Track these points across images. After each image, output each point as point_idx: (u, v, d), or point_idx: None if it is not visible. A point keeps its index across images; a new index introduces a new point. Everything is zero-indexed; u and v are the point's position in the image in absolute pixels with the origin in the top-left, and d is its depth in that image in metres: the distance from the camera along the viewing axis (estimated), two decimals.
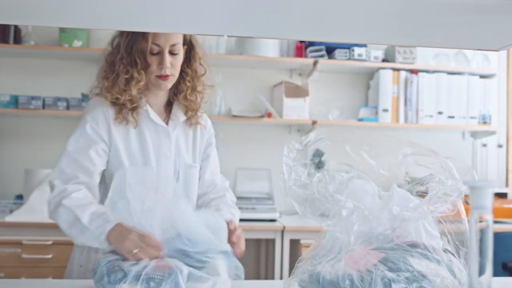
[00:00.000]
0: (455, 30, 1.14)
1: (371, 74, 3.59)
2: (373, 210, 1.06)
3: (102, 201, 1.58)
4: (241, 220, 1.68)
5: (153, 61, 1.55)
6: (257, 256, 3.40)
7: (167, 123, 1.63)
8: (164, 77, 1.56)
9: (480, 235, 0.62)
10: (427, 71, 3.50)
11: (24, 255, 2.71)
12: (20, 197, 3.13)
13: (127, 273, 1.13)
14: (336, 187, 1.09)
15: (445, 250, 1.08)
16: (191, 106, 1.64)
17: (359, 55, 3.39)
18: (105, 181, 1.60)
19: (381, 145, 1.14)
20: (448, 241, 1.08)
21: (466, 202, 1.08)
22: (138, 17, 1.12)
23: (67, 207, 1.41)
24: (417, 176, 1.11)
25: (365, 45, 3.41)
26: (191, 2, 0.97)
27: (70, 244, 1.56)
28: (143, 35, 1.53)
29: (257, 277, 3.37)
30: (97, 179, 1.54)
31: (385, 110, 3.45)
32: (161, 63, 1.55)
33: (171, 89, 1.65)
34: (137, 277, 1.13)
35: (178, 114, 1.65)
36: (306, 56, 3.43)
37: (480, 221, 0.63)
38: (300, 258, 1.14)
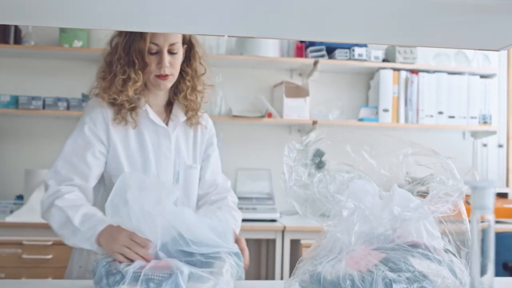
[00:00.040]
0: (455, 30, 1.14)
1: (372, 74, 3.59)
2: (374, 210, 1.06)
3: (102, 203, 1.58)
4: (241, 220, 1.67)
5: (152, 60, 1.54)
6: (258, 256, 3.40)
7: (167, 123, 1.62)
8: (164, 76, 1.55)
9: (482, 235, 0.62)
10: (427, 71, 3.50)
11: (24, 256, 2.71)
12: (20, 197, 3.13)
13: (125, 275, 1.13)
14: (336, 187, 1.08)
15: (446, 250, 1.08)
16: (191, 106, 1.63)
17: (360, 55, 3.39)
18: (104, 183, 1.60)
19: (381, 145, 1.14)
20: (449, 241, 1.08)
21: (466, 202, 1.08)
22: (138, 17, 1.12)
23: (59, 208, 1.42)
24: (418, 176, 1.11)
25: (365, 45, 3.41)
26: (191, 2, 0.97)
27: None
28: (141, 35, 1.52)
29: (258, 277, 3.37)
30: (92, 182, 1.53)
31: (386, 110, 3.45)
32: (160, 63, 1.54)
33: (171, 89, 1.64)
34: (136, 278, 1.12)
35: (178, 114, 1.63)
36: (306, 56, 3.43)
37: (482, 221, 0.63)
38: (300, 258, 1.13)
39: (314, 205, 1.09)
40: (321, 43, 3.41)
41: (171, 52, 1.55)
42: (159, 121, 1.60)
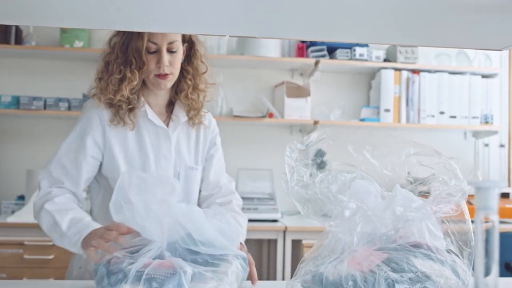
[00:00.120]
0: (457, 29, 1.13)
1: (373, 74, 3.58)
2: (376, 210, 1.06)
3: (101, 204, 1.57)
4: None
5: (151, 60, 1.52)
6: (259, 257, 3.40)
7: (168, 124, 1.61)
8: (163, 76, 1.53)
9: (486, 236, 0.62)
10: (428, 71, 3.49)
11: (26, 256, 2.71)
12: (21, 197, 3.13)
13: (127, 273, 1.12)
14: (338, 188, 1.08)
15: (449, 251, 1.07)
16: (193, 105, 1.61)
17: (361, 55, 3.39)
18: (99, 184, 1.59)
19: (383, 145, 1.13)
20: (451, 242, 1.08)
21: (468, 202, 1.08)
22: (139, 17, 1.12)
23: (48, 212, 1.44)
24: (420, 176, 1.11)
25: (366, 45, 3.40)
26: (192, 2, 0.97)
27: None
28: (139, 34, 1.50)
29: (259, 277, 3.34)
30: (82, 186, 1.54)
31: (387, 110, 3.44)
32: (159, 62, 1.52)
33: (172, 88, 1.62)
34: (138, 277, 1.11)
35: (179, 114, 1.62)
36: (307, 56, 3.42)
37: (486, 222, 0.62)
38: (302, 258, 1.13)
39: (316, 205, 1.08)
40: (322, 43, 3.40)
41: (170, 51, 1.53)
42: (158, 121, 1.58)
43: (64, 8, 1.02)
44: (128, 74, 1.51)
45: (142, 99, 1.58)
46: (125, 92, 1.51)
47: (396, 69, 3.46)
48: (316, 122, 3.34)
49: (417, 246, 1.06)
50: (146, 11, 1.04)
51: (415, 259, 1.01)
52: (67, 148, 1.53)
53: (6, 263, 2.71)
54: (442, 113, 3.48)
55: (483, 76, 3.58)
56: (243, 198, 1.74)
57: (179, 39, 1.56)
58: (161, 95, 1.62)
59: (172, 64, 1.54)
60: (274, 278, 2.98)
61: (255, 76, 3.54)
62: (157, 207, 1.17)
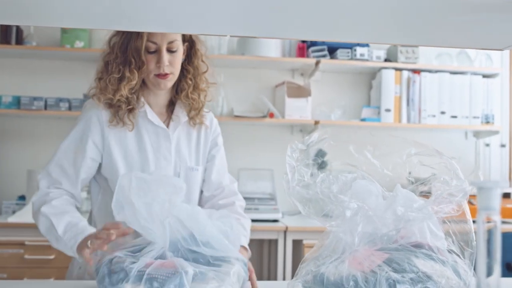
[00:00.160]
0: (458, 29, 1.13)
1: (373, 74, 3.58)
2: (377, 210, 1.06)
3: (101, 205, 1.57)
4: None
5: (151, 59, 1.51)
6: (260, 257, 3.40)
7: (168, 124, 1.60)
8: (163, 75, 1.53)
9: (488, 236, 0.62)
10: (429, 71, 3.49)
11: (26, 256, 2.71)
12: (22, 197, 3.13)
13: (128, 272, 1.12)
14: (339, 188, 1.08)
15: (450, 251, 1.07)
16: (193, 105, 1.60)
17: (361, 55, 3.39)
18: (99, 185, 1.59)
19: (384, 145, 1.13)
20: (453, 242, 1.07)
21: (470, 202, 1.08)
22: (139, 17, 1.12)
23: (45, 215, 1.44)
24: (422, 176, 1.11)
25: (367, 45, 3.40)
26: (192, 2, 0.97)
27: None
28: (138, 33, 1.49)
29: (260, 277, 3.36)
30: (80, 187, 1.55)
31: (388, 110, 3.44)
32: (158, 61, 1.51)
33: (172, 88, 1.61)
34: (139, 277, 1.10)
35: (180, 114, 1.61)
36: (308, 56, 3.42)
37: (488, 222, 0.62)
38: (303, 259, 1.13)
39: (317, 205, 1.08)
40: (322, 43, 3.40)
41: (170, 50, 1.52)
42: (158, 121, 1.58)
43: (64, 8, 1.02)
44: (127, 74, 1.50)
45: (142, 99, 1.57)
46: (124, 91, 1.50)
47: (396, 69, 3.46)
48: (317, 122, 3.34)
49: (418, 246, 1.05)
50: (146, 11, 1.04)
51: (417, 259, 1.01)
52: (66, 149, 1.53)
53: (6, 263, 2.71)
54: (443, 113, 3.48)
55: (484, 76, 3.57)
56: (244, 198, 1.73)
57: (179, 38, 1.55)
58: (162, 95, 1.61)
59: (172, 64, 1.53)
60: (275, 278, 2.98)
61: (256, 76, 3.54)
62: (159, 207, 1.16)
